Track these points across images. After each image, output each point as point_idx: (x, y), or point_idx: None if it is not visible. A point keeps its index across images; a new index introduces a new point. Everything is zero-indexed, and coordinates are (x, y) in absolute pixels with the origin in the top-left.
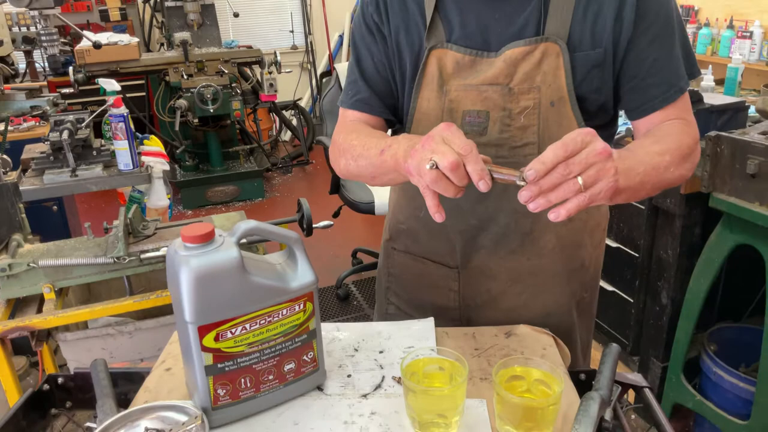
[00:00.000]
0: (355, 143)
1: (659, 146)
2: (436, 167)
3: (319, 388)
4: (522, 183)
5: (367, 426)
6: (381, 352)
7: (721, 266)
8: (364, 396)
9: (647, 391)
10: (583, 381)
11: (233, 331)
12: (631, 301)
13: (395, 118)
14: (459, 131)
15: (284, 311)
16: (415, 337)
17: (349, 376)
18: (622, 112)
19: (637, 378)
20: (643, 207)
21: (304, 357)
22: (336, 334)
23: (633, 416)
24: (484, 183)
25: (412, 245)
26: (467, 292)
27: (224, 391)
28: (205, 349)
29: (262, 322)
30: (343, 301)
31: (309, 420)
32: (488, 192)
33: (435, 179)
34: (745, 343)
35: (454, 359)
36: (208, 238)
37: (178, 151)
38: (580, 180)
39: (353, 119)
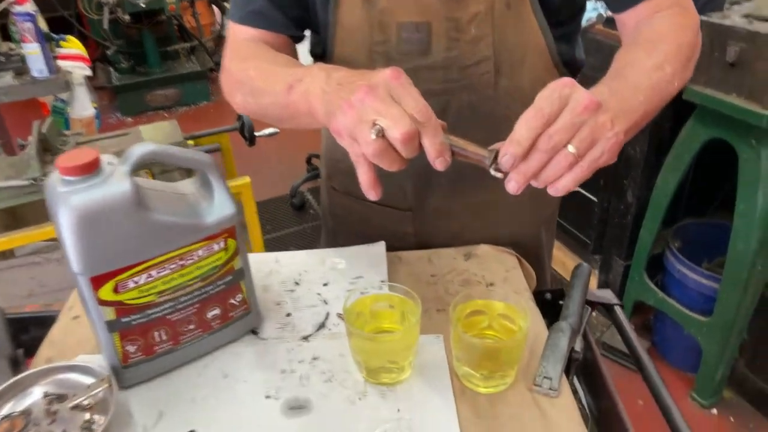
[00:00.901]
0: (252, 74)
1: (655, 57)
2: (383, 135)
3: (254, 332)
4: (495, 172)
5: (308, 374)
6: (325, 284)
7: (690, 162)
8: (305, 338)
9: (618, 310)
10: (548, 301)
11: (136, 280)
12: (595, 200)
13: (303, 33)
14: (412, 85)
15: (200, 252)
16: (364, 265)
17: (288, 315)
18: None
19: (606, 295)
20: None
21: (231, 300)
22: (274, 267)
23: (594, 313)
24: (443, 161)
25: (355, 187)
26: (425, 233)
27: (135, 347)
28: (103, 302)
29: (172, 266)
30: (298, 210)
31: (240, 370)
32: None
33: (378, 151)
34: (709, 238)
35: (404, 295)
36: (90, 169)
37: (109, 53)
38: (571, 148)
39: (247, 38)
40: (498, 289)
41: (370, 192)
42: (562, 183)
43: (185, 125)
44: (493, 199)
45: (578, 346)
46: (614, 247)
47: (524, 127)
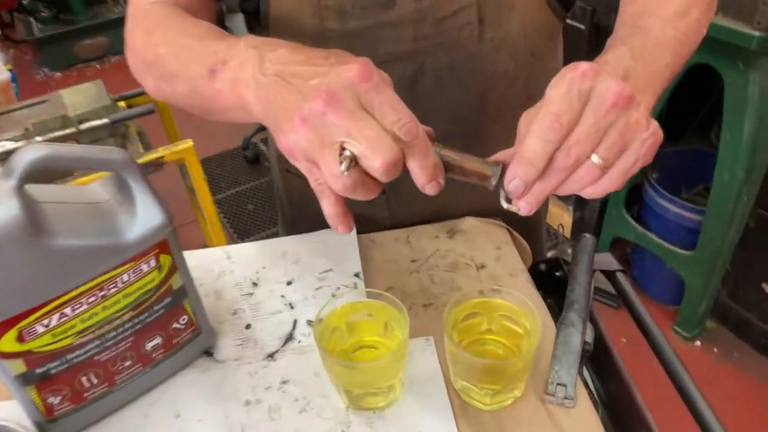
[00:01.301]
0: (162, 52)
1: (677, 3)
2: (355, 162)
3: (208, 353)
4: (504, 200)
5: (278, 404)
6: (289, 283)
7: (673, 90)
8: (271, 356)
9: (620, 276)
10: (543, 272)
11: (45, 323)
12: None
13: None
14: (388, 86)
15: (125, 277)
16: (333, 255)
17: (247, 326)
18: None
19: (606, 260)
20: (583, 27)
21: (175, 325)
22: (226, 265)
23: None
24: (436, 184)
25: None
26: (402, 215)
27: (59, 397)
28: (6, 355)
29: (91, 300)
30: (252, 163)
31: (195, 406)
32: (415, 93)
33: (351, 186)
34: (687, 166)
35: (387, 303)
36: None
37: (26, 2)
38: (596, 159)
39: (153, 1)
40: (493, 279)
41: (340, 227)
42: (587, 193)
43: (118, 78)
44: None
45: (589, 336)
46: None
47: (537, 140)
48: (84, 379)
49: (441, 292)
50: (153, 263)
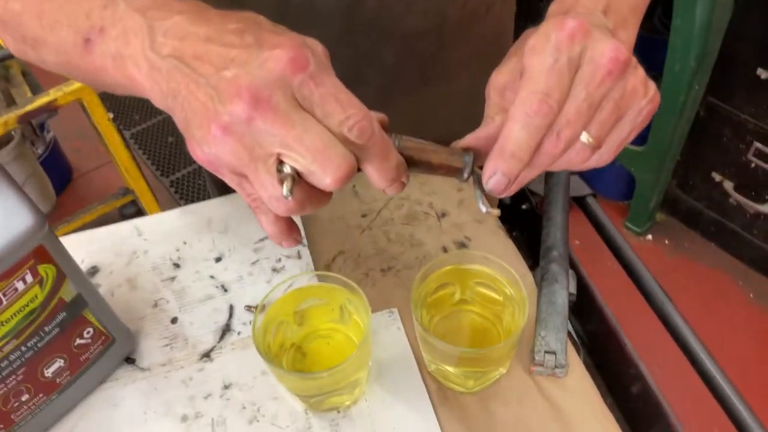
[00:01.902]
0: (16, 8)
1: None
2: (297, 176)
3: (129, 360)
4: (478, 190)
5: (222, 415)
6: (218, 259)
7: None
8: (206, 356)
9: (591, 201)
10: (507, 206)
11: None
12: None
13: None
14: (328, 70)
15: None
16: None
17: (174, 320)
18: None
19: (576, 186)
20: None
21: (78, 341)
22: (138, 245)
23: None
24: (399, 185)
25: None
26: None
27: None
28: None
29: None
30: None
31: (120, 430)
32: (355, 20)
33: (296, 207)
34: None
35: (340, 285)
36: None
37: None
38: (585, 138)
39: None
40: (458, 228)
41: (285, 243)
42: (576, 169)
43: None
44: (442, 97)
45: (572, 285)
46: None
47: (522, 128)
48: None
49: (400, 251)
50: (30, 278)
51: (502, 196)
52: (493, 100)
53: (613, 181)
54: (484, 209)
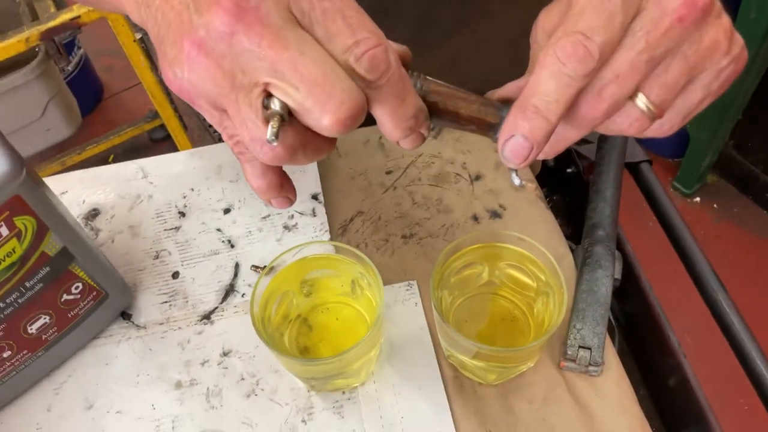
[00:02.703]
0: None
1: None
2: (288, 114)
3: (125, 316)
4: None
5: (218, 385)
6: (227, 211)
7: None
8: (207, 317)
9: (645, 167)
10: (551, 168)
11: None
12: None
13: None
14: None
15: None
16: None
17: (175, 275)
18: None
19: (633, 151)
20: None
21: (66, 296)
22: (143, 188)
23: None
24: (417, 138)
25: None
26: None
27: None
28: None
29: None
30: None
31: (111, 392)
32: None
33: (285, 155)
34: None
35: (353, 260)
36: None
37: None
38: (643, 102)
39: None
40: (493, 195)
41: (274, 202)
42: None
43: None
44: (480, 42)
45: (618, 269)
46: None
47: (551, 76)
48: None
49: (425, 216)
50: (5, 231)
51: (523, 165)
52: (541, 44)
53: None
54: (516, 181)
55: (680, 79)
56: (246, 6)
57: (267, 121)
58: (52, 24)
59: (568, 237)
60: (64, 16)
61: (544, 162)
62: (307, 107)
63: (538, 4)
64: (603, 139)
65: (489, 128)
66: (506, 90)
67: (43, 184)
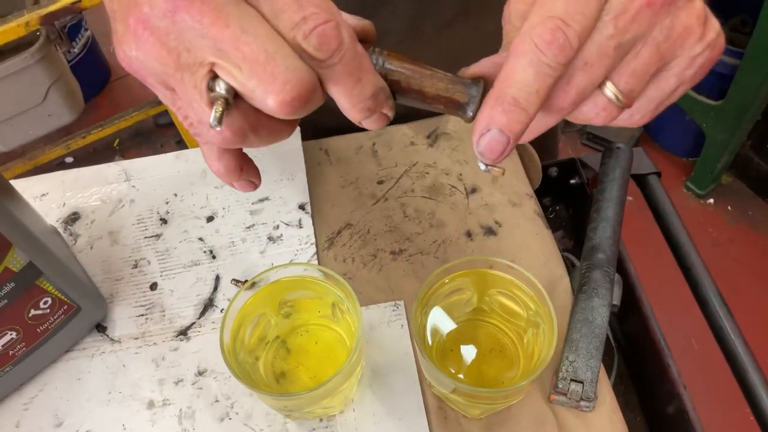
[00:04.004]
0: None
1: None
2: (234, 96)
3: (100, 329)
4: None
5: (192, 407)
6: (210, 219)
7: None
8: (183, 333)
9: (653, 180)
10: (554, 178)
11: None
12: None
13: None
14: None
15: None
16: (270, 175)
17: (153, 286)
18: None
19: (640, 161)
20: None
21: (33, 312)
22: (123, 191)
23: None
24: (380, 118)
25: None
26: None
27: None
28: None
29: None
30: None
31: (81, 409)
32: None
33: (233, 138)
34: None
35: (331, 283)
36: None
37: None
38: (611, 91)
39: None
40: (488, 209)
41: (236, 185)
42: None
43: None
44: (483, 39)
45: (617, 295)
46: None
47: (529, 64)
48: None
49: (416, 231)
50: None
51: (499, 160)
52: (514, 25)
53: (679, 135)
54: (482, 167)
55: (651, 66)
56: None
57: (212, 104)
58: (52, 8)
59: (569, 251)
60: (65, 0)
61: (546, 172)
62: (251, 88)
63: None
64: (607, 153)
65: (457, 107)
66: (480, 66)
67: (10, 194)
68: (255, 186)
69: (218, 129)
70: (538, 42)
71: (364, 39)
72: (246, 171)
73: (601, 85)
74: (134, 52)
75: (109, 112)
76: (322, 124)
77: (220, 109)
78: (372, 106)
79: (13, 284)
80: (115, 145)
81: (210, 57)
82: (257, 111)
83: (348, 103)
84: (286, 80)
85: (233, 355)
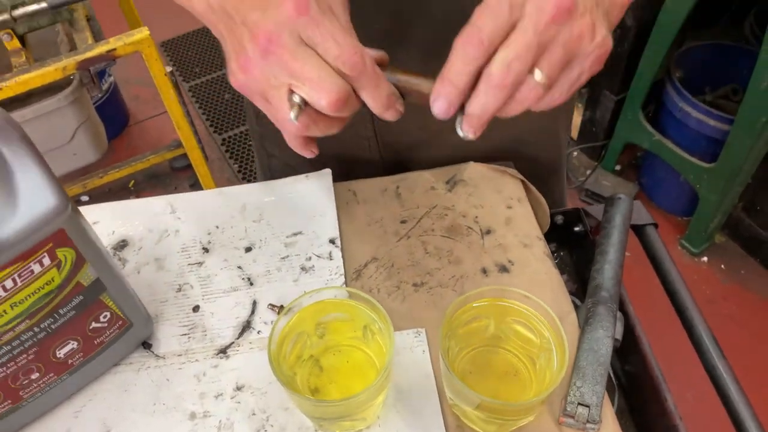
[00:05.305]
0: None
1: None
2: (305, 104)
3: (146, 346)
4: (459, 119)
5: (230, 419)
6: (249, 249)
7: None
8: (223, 351)
9: (651, 230)
10: (559, 226)
11: None
12: None
13: None
14: (328, 15)
15: (8, 283)
16: (303, 212)
17: (195, 309)
18: None
19: (638, 213)
20: None
21: (94, 324)
22: (170, 223)
23: (575, 153)
24: (394, 112)
25: None
26: (390, 134)
27: None
28: None
29: None
30: None
31: (127, 419)
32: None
33: (304, 128)
34: (714, 62)
35: (365, 305)
36: None
37: None
38: (538, 76)
39: None
40: (502, 249)
41: (305, 152)
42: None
43: None
44: None
45: (619, 330)
46: (605, 79)
47: (456, 56)
48: None
49: (436, 266)
50: (47, 261)
51: (445, 117)
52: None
53: (674, 194)
54: (461, 133)
55: (562, 59)
56: (272, 37)
57: (291, 107)
58: (89, 55)
59: (573, 293)
60: (101, 48)
61: (553, 220)
62: (312, 96)
63: None
64: (610, 203)
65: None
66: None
67: (82, 216)
68: (314, 153)
69: (295, 123)
70: (462, 41)
71: (380, 63)
72: (309, 145)
73: (530, 72)
74: (243, 78)
75: (127, 154)
76: (353, 173)
77: (296, 111)
78: (387, 103)
79: (81, 297)
80: (130, 185)
81: (287, 79)
82: (317, 111)
83: (372, 101)
84: (331, 90)
85: (278, 365)
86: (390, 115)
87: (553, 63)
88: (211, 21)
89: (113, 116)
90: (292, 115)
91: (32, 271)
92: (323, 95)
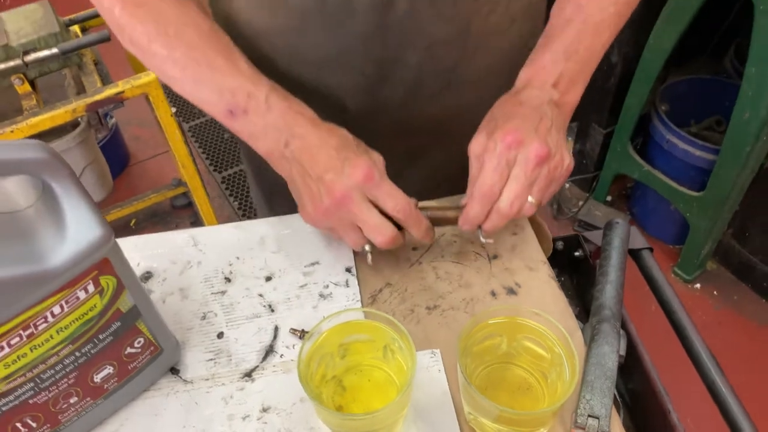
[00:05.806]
0: (157, 49)
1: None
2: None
3: (174, 371)
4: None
5: None
6: (269, 279)
7: (694, 14)
8: (248, 375)
9: (646, 254)
10: (559, 251)
11: None
12: None
13: None
14: (385, 179)
15: (56, 309)
16: (319, 243)
17: (220, 335)
18: None
19: (635, 239)
20: None
21: (129, 350)
22: (193, 255)
23: (567, 185)
24: (430, 239)
25: None
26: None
27: None
28: None
29: (14, 341)
30: None
31: None
32: (386, 21)
33: (373, 254)
34: (697, 95)
35: (387, 326)
36: None
37: None
38: (531, 199)
39: None
40: (509, 273)
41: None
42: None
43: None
44: (465, 106)
45: (622, 346)
46: (594, 113)
47: (478, 205)
48: (19, 425)
49: (447, 290)
50: (91, 288)
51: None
52: (472, 161)
53: (665, 224)
54: (483, 240)
55: (546, 186)
56: (345, 195)
57: (366, 247)
58: (98, 97)
59: (575, 316)
60: (110, 90)
61: (554, 245)
62: (372, 236)
63: (511, 76)
64: (608, 227)
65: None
66: (466, 200)
67: (119, 248)
68: (432, 238)
69: (369, 264)
70: (481, 194)
71: (416, 204)
72: (401, 238)
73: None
74: (318, 218)
75: (127, 193)
76: None
77: (370, 256)
78: (426, 234)
79: (119, 323)
80: (131, 224)
81: (353, 220)
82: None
83: (416, 233)
84: (385, 233)
85: (307, 384)
86: (427, 241)
87: (540, 190)
88: (281, 165)
89: (115, 157)
90: (369, 258)
91: (78, 298)
92: (380, 237)
